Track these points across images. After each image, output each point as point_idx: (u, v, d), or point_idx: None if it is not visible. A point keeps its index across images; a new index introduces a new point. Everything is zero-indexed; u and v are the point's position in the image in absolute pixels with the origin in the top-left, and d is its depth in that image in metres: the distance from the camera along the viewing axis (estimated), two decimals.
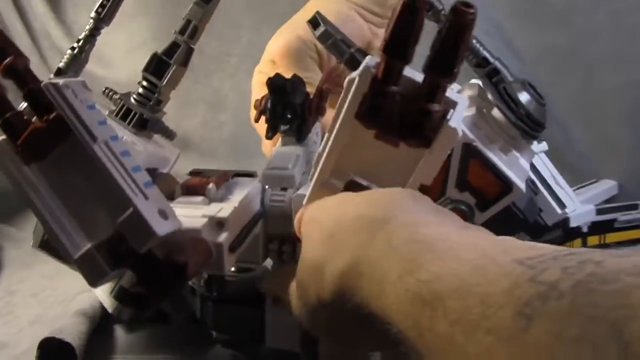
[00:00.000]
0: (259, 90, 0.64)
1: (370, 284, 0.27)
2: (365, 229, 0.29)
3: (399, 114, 0.32)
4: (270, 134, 0.49)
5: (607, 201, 0.81)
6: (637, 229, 0.73)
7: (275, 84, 0.47)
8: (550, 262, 0.20)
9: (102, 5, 0.56)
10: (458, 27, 0.29)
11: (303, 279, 0.33)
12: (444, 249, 0.25)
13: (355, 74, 0.33)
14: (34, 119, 0.36)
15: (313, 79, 0.58)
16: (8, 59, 0.35)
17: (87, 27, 0.57)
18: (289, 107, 0.48)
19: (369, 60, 0.33)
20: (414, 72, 0.33)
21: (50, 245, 0.54)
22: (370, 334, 0.28)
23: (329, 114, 0.54)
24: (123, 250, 0.34)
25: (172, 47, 0.56)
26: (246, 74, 0.60)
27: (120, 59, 1.13)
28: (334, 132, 0.35)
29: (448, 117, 0.32)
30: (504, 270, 0.21)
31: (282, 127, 0.49)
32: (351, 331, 0.33)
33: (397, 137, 0.33)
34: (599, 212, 0.73)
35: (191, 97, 1.11)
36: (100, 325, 0.59)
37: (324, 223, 0.33)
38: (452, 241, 0.26)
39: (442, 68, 0.30)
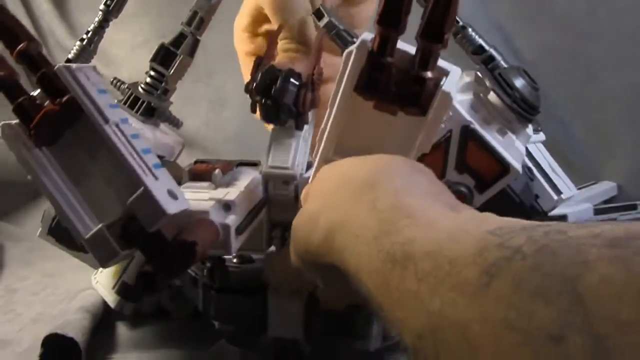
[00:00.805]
0: (247, 63, 0.59)
1: (347, 243, 0.28)
2: (355, 191, 0.30)
3: (396, 84, 0.34)
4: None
5: (607, 202, 0.82)
6: None
7: (263, 89, 0.44)
8: (519, 232, 0.22)
9: None
10: None
11: (298, 227, 0.34)
12: (423, 218, 0.26)
13: (352, 47, 0.34)
14: (46, 103, 0.36)
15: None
16: (21, 45, 0.36)
17: (96, 19, 0.58)
18: (281, 110, 0.45)
19: (365, 35, 0.34)
20: (408, 46, 0.34)
21: (58, 232, 0.55)
22: (347, 289, 0.29)
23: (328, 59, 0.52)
24: (133, 230, 0.35)
25: (179, 38, 0.57)
26: None
27: (123, 58, 1.13)
28: (335, 107, 0.36)
29: (441, 83, 0.34)
30: (476, 238, 0.23)
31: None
32: (332, 283, 0.34)
33: (395, 105, 0.34)
34: (598, 212, 0.74)
35: (194, 96, 1.11)
36: (102, 322, 0.60)
37: (328, 182, 0.34)
38: (433, 213, 0.27)
39: (434, 34, 0.32)
